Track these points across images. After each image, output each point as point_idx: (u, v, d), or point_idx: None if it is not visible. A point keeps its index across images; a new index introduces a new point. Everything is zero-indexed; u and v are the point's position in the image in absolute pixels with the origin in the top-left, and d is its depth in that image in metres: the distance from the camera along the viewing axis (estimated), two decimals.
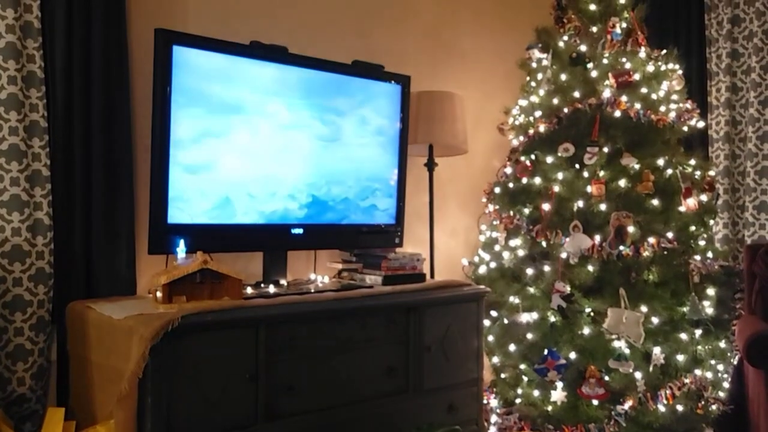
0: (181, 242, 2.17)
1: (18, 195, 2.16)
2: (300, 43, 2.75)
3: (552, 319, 2.85)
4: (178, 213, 2.29)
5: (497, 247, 3.11)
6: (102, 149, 2.35)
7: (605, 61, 3.07)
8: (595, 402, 2.74)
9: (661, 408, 2.71)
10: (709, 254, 3.00)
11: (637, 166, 2.91)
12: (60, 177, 2.29)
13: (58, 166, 2.28)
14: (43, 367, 2.25)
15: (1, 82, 2.13)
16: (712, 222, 3.11)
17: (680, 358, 2.79)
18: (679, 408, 2.74)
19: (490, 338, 3.02)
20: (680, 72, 3.20)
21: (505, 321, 2.97)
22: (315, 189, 2.63)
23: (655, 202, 2.90)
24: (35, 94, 2.21)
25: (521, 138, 3.18)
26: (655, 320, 2.77)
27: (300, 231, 2.61)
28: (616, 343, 2.74)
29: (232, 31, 2.57)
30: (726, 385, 3.02)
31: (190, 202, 2.32)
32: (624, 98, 2.97)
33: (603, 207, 2.86)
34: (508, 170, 3.20)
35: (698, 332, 2.86)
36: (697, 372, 2.85)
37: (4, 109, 2.14)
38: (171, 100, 2.24)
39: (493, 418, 3.01)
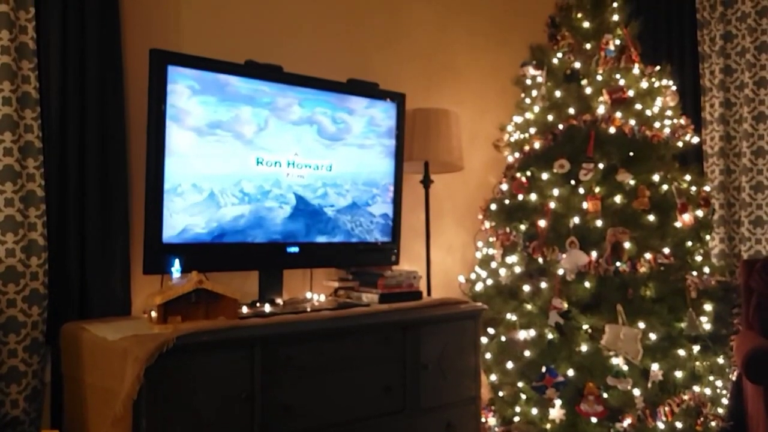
0: (176, 262, 2.16)
1: (12, 216, 2.15)
2: (295, 61, 2.76)
3: (549, 336, 2.83)
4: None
5: (494, 264, 3.10)
6: (97, 170, 2.35)
7: (599, 77, 3.09)
8: (594, 419, 2.73)
9: (660, 425, 2.70)
10: (706, 269, 3.00)
11: (632, 182, 2.92)
12: (54, 198, 2.28)
13: (52, 186, 2.28)
14: (37, 389, 2.22)
15: None
16: (708, 237, 3.12)
17: (678, 374, 2.79)
18: (678, 425, 2.73)
19: (488, 356, 3.01)
20: (674, 88, 3.23)
21: (503, 338, 2.96)
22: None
23: (651, 217, 2.91)
24: (30, 114, 2.21)
25: (517, 154, 3.19)
26: (652, 336, 2.76)
27: (296, 249, 2.60)
28: (614, 360, 2.73)
29: (226, 50, 2.58)
30: (725, 401, 3.01)
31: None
32: (618, 114, 2.98)
33: (599, 223, 2.86)
34: (504, 187, 3.20)
35: (696, 348, 2.86)
36: (696, 388, 2.85)
37: None
38: (166, 121, 2.24)
39: None
